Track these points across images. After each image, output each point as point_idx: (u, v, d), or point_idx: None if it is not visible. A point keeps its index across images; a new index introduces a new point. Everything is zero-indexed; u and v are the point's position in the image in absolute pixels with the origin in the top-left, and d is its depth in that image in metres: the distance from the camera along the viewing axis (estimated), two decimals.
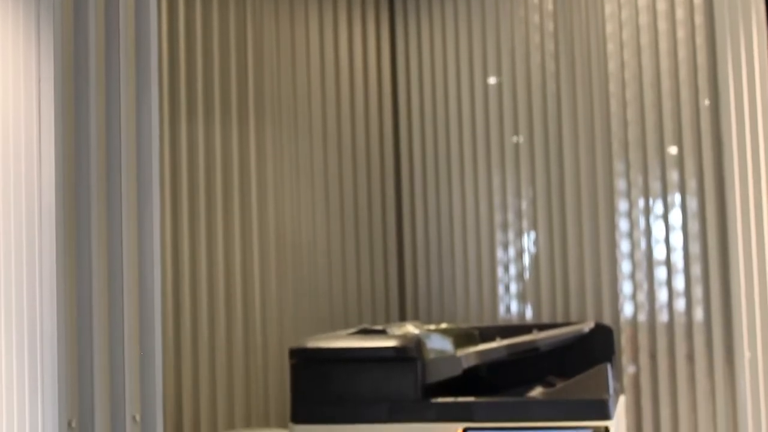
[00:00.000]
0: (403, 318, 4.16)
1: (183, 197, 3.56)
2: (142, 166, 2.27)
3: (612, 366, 3.11)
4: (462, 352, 2.77)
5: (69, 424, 2.05)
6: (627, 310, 3.90)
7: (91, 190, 2.14)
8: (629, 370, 3.85)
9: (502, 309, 4.08)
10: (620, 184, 3.94)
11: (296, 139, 4.16)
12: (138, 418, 2.21)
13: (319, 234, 4.22)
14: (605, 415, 2.57)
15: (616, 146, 3.94)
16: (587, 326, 3.45)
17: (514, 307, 4.07)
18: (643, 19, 3.88)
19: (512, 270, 4.10)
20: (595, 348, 3.42)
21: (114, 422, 2.17)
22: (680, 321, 3.82)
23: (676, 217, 3.88)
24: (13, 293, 1.89)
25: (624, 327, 3.88)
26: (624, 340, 3.86)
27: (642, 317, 3.87)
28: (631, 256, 3.91)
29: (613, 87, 3.94)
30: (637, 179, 3.91)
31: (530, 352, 3.11)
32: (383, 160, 4.29)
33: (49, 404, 1.97)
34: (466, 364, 2.68)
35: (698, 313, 3.80)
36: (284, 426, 3.05)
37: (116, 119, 2.23)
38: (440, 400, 2.62)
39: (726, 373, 3.72)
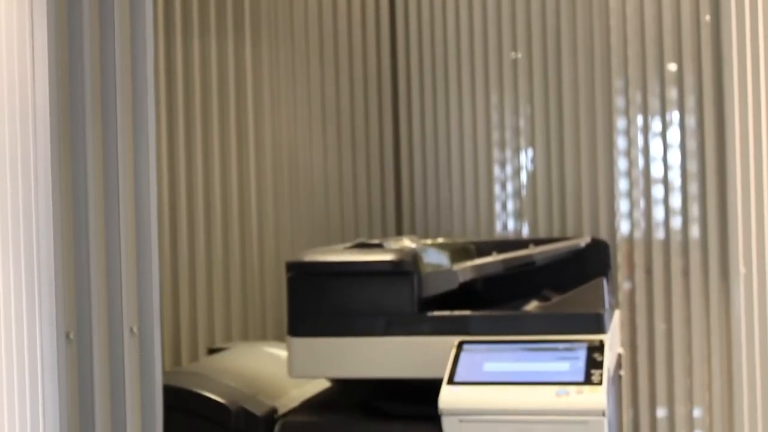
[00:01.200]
0: (399, 232, 4.16)
1: (179, 115, 3.54)
2: (137, 83, 2.25)
3: (608, 280, 3.12)
4: (458, 266, 2.77)
5: (67, 335, 2.06)
6: (623, 227, 3.91)
7: (86, 107, 2.12)
8: (624, 286, 3.87)
9: (498, 226, 4.08)
10: (619, 102, 3.92)
11: (293, 54, 4.13)
12: (135, 330, 2.23)
13: (316, 148, 4.21)
14: (600, 328, 2.59)
15: (615, 63, 3.91)
16: (583, 241, 3.45)
17: (511, 224, 4.07)
18: None
19: (509, 188, 4.09)
20: (591, 262, 3.42)
21: (111, 334, 2.18)
22: (676, 238, 3.84)
23: (674, 134, 3.87)
24: (9, 208, 1.88)
25: (620, 244, 3.89)
26: (620, 258, 3.88)
27: (638, 235, 3.88)
28: (629, 174, 3.91)
29: (613, 2, 3.90)
30: (636, 96, 3.89)
31: (526, 267, 3.11)
32: (380, 74, 4.25)
33: (47, 316, 1.98)
34: (462, 278, 2.68)
35: (695, 231, 3.81)
36: (281, 339, 3.07)
37: (110, 35, 2.21)
38: (436, 313, 2.63)
39: (721, 288, 3.74)
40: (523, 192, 4.06)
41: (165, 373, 2.35)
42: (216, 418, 2.63)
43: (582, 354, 2.52)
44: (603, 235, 3.83)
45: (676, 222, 3.85)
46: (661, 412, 3.84)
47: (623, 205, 3.91)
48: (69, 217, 2.08)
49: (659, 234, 3.86)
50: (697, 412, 3.81)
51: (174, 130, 3.50)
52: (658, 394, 3.84)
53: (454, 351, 2.57)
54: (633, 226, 3.89)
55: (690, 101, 3.83)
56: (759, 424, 3.64)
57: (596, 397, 2.39)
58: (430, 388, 2.50)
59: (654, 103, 3.87)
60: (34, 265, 1.94)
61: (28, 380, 1.92)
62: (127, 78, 2.23)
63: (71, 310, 2.08)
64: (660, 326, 3.84)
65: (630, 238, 3.90)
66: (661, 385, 3.84)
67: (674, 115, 3.87)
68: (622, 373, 3.53)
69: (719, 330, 3.76)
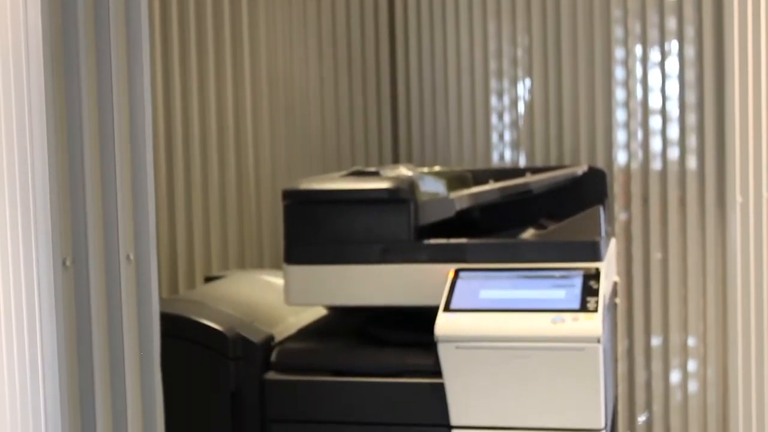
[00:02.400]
0: (396, 161, 4.16)
1: (174, 42, 3.50)
2: (131, 9, 2.22)
3: (604, 209, 3.12)
4: (455, 194, 2.76)
5: (63, 262, 2.06)
6: (621, 158, 3.90)
7: (80, 35, 2.09)
8: (621, 216, 3.88)
9: (495, 157, 4.07)
10: (617, 32, 3.89)
11: None
12: (132, 257, 2.22)
13: (312, 76, 4.18)
14: (596, 256, 2.59)
15: None
16: (580, 169, 3.45)
17: (508, 155, 4.07)
18: None
19: (506, 118, 4.08)
20: (587, 191, 3.42)
21: (108, 261, 2.18)
22: (673, 169, 3.84)
23: (672, 65, 3.85)
24: (3, 134, 1.87)
25: (617, 175, 3.89)
26: (617, 188, 3.88)
27: (635, 165, 3.88)
28: (627, 104, 3.89)
29: None
30: (635, 26, 3.86)
31: (523, 195, 3.11)
32: (377, 3, 4.21)
33: (43, 243, 1.97)
34: (459, 206, 2.68)
35: (692, 162, 3.81)
36: (278, 267, 3.08)
37: None
38: (433, 241, 2.63)
39: (717, 218, 3.75)
40: (521, 123, 4.04)
41: (162, 301, 2.35)
42: (213, 345, 2.64)
43: (578, 282, 2.53)
44: (600, 166, 3.83)
45: (674, 153, 3.84)
46: (655, 341, 3.87)
47: (621, 136, 3.90)
48: (64, 142, 2.07)
49: (656, 165, 3.86)
50: (691, 341, 3.84)
51: (169, 57, 3.47)
52: (653, 323, 3.87)
53: (450, 278, 2.58)
54: (630, 156, 3.89)
55: (689, 31, 3.80)
56: (752, 352, 3.67)
57: (591, 324, 2.40)
58: (427, 315, 2.52)
59: (653, 33, 3.85)
60: (29, 192, 1.93)
61: (26, 307, 1.92)
62: (121, 16, 2.20)
63: (68, 237, 2.08)
64: (656, 256, 3.86)
65: (627, 169, 3.90)
66: (656, 315, 3.86)
67: (673, 46, 3.84)
68: (618, 300, 3.55)
69: (715, 259, 3.77)
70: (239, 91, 3.79)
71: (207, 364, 2.66)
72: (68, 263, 2.08)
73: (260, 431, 2.64)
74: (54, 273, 2.01)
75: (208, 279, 3.36)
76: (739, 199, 3.64)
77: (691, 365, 3.85)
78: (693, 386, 3.85)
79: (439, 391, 2.48)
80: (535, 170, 3.48)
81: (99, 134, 2.14)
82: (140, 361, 2.23)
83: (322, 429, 2.60)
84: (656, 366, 3.88)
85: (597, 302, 2.45)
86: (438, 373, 2.48)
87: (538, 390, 2.42)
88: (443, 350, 2.46)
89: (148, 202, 2.26)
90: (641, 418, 3.92)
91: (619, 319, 3.82)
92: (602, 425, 2.42)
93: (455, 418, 2.48)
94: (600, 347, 2.38)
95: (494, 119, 4.08)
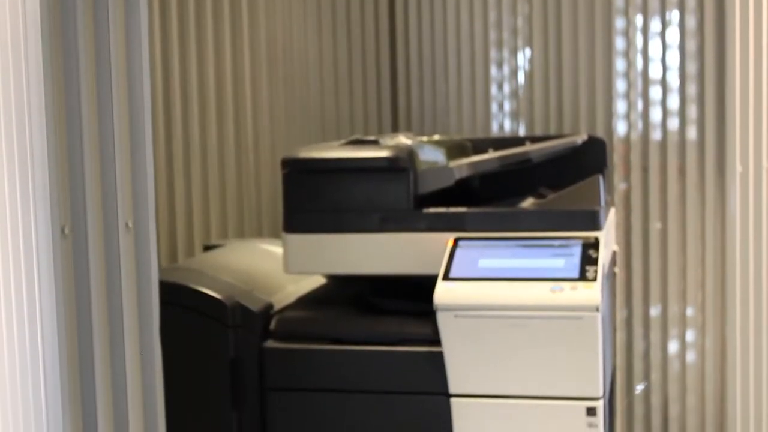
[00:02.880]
0: (395, 129, 4.15)
1: (172, 8, 3.49)
2: None
3: (604, 178, 3.12)
4: (455, 163, 2.76)
5: (62, 230, 2.05)
6: (620, 129, 3.89)
7: (77, 4, 2.08)
8: (620, 187, 3.88)
9: (495, 126, 4.07)
10: (618, 1, 3.88)
11: None
12: (131, 224, 2.22)
13: (312, 45, 4.16)
14: (596, 225, 2.59)
15: None
16: (580, 138, 3.44)
17: (508, 124, 4.06)
18: None
19: (506, 88, 4.07)
20: (587, 160, 3.42)
21: (107, 229, 2.17)
22: (673, 140, 3.83)
23: (673, 35, 3.84)
24: (1, 102, 1.86)
25: (617, 146, 3.88)
26: (616, 159, 3.88)
27: (635, 136, 3.87)
28: (627, 74, 3.88)
29: None
30: None
31: (523, 164, 3.10)
32: None
33: (42, 211, 1.96)
34: (458, 175, 2.67)
35: (692, 132, 3.80)
36: (277, 235, 3.08)
37: None
38: (432, 210, 2.62)
39: (717, 187, 3.75)
40: (520, 92, 4.03)
41: (161, 269, 2.35)
42: (213, 314, 2.65)
43: (577, 251, 2.52)
44: (600, 136, 3.82)
45: (674, 123, 3.83)
46: (654, 311, 3.88)
47: (621, 107, 3.89)
48: (63, 110, 2.06)
49: (656, 135, 3.85)
50: (690, 311, 3.84)
51: (167, 23, 3.45)
52: (652, 293, 3.87)
53: (449, 247, 2.58)
54: (630, 127, 3.88)
55: (690, 1, 3.79)
56: (750, 323, 3.67)
57: (590, 293, 2.40)
58: (426, 284, 2.52)
59: (653, 2, 3.83)
60: (27, 159, 1.92)
61: (24, 275, 1.91)
62: None
63: (66, 205, 2.07)
64: (655, 226, 3.86)
65: (627, 139, 3.89)
66: (655, 284, 3.87)
67: (674, 15, 3.83)
68: (617, 269, 3.55)
69: (714, 229, 3.77)
70: (238, 59, 3.78)
71: (206, 332, 2.66)
72: (67, 231, 2.08)
73: (259, 399, 2.64)
74: (53, 241, 2.00)
75: (207, 247, 3.36)
76: (738, 168, 3.64)
77: (690, 335, 3.86)
78: (691, 356, 3.86)
79: (438, 359, 2.48)
80: (534, 139, 3.48)
81: (97, 101, 2.14)
82: (139, 330, 2.23)
83: (321, 397, 2.60)
84: (654, 336, 3.89)
85: (596, 271, 2.45)
86: (437, 341, 2.48)
87: (536, 359, 2.43)
88: (442, 319, 2.46)
89: (147, 169, 2.25)
90: (639, 388, 3.93)
91: (618, 289, 3.82)
92: (600, 394, 2.42)
93: (454, 387, 2.49)
94: (599, 316, 2.38)
95: (494, 89, 4.07)
